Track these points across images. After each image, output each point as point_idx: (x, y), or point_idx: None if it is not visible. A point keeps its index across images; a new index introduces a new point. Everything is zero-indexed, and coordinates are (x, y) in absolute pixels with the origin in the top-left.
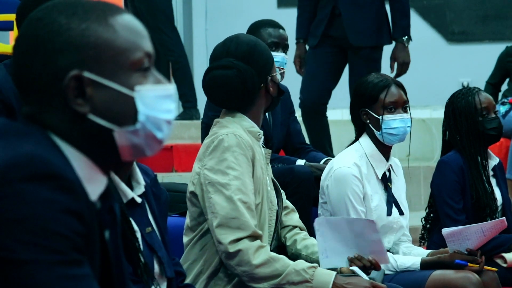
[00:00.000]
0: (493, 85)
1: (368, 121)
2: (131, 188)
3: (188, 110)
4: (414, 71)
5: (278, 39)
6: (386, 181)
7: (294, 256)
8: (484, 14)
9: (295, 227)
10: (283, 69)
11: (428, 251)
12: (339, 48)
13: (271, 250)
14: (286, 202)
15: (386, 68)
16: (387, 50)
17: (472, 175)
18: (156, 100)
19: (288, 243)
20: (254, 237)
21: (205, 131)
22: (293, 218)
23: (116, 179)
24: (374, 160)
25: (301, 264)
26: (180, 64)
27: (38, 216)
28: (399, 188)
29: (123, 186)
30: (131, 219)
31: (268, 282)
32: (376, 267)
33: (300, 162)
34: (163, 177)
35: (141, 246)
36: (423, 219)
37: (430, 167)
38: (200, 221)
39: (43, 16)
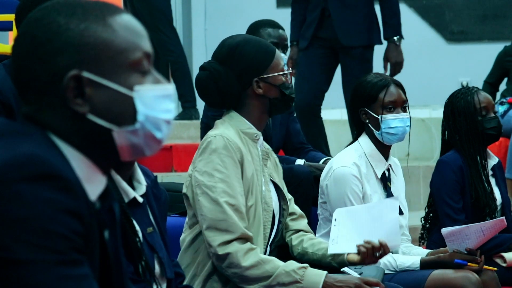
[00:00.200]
0: (491, 84)
1: (367, 121)
2: (133, 188)
3: (187, 110)
4: (413, 71)
5: (277, 39)
6: (385, 180)
7: (300, 255)
8: (483, 14)
9: (302, 230)
10: (290, 70)
11: (428, 250)
12: (330, 49)
13: (270, 253)
14: (294, 208)
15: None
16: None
17: (472, 175)
18: (155, 100)
19: (294, 243)
20: (243, 239)
21: (204, 131)
22: (301, 223)
23: (118, 178)
24: (373, 159)
25: (291, 265)
26: (179, 64)
27: (37, 216)
28: (398, 187)
29: (125, 186)
30: (132, 218)
31: (259, 284)
32: (385, 249)
33: (300, 162)
34: (163, 177)
35: (142, 246)
36: (422, 219)
37: (429, 166)
38: (194, 222)
39: (42, 16)
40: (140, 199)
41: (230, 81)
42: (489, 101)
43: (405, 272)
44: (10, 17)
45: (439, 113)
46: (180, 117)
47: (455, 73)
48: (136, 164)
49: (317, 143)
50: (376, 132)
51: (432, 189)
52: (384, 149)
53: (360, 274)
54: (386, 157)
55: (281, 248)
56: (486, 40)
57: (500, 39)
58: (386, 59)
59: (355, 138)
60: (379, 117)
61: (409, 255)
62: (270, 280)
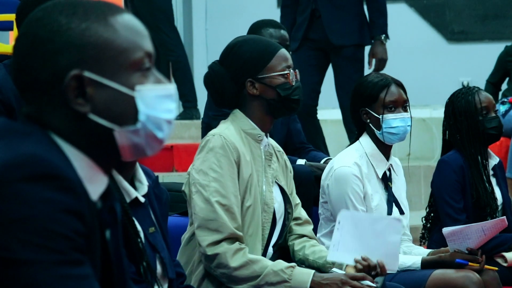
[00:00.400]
0: (493, 84)
1: (368, 121)
2: (134, 188)
3: (188, 110)
4: (414, 71)
5: (279, 39)
6: (386, 180)
7: (302, 261)
8: (484, 14)
9: (305, 236)
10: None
11: (429, 250)
12: (320, 51)
13: (273, 254)
14: (301, 213)
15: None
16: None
17: (473, 175)
18: (156, 99)
19: (296, 248)
20: (232, 239)
21: (205, 131)
22: (306, 229)
23: (119, 178)
24: (374, 159)
25: (279, 264)
26: (181, 64)
27: (38, 216)
28: (399, 187)
29: (127, 186)
30: (134, 218)
31: (247, 284)
32: (382, 270)
33: (301, 161)
34: (164, 177)
35: (144, 246)
36: (423, 219)
37: (430, 166)
38: (192, 221)
39: (43, 16)
40: (142, 199)
41: (225, 81)
42: (490, 101)
43: (406, 272)
44: (11, 17)
45: (439, 113)
46: (181, 117)
47: (455, 73)
48: (137, 164)
49: (315, 143)
50: (377, 132)
51: (433, 189)
52: (385, 149)
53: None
54: (387, 157)
55: (284, 249)
56: (486, 40)
57: (501, 39)
58: (371, 55)
59: (356, 138)
60: (380, 116)
61: (410, 255)
62: (259, 280)
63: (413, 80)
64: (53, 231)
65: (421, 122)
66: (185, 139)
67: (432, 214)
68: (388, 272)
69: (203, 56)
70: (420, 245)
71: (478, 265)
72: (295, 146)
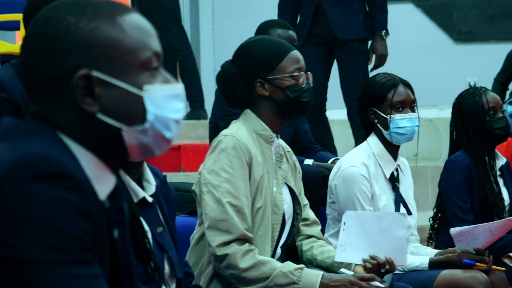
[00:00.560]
0: (501, 83)
1: (376, 121)
2: (142, 188)
3: (195, 109)
4: (421, 71)
5: (287, 40)
6: (394, 180)
7: (309, 261)
8: (491, 14)
9: (313, 236)
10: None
11: (436, 250)
12: (325, 46)
13: (281, 254)
14: (309, 214)
15: None
16: None
17: (480, 175)
18: (164, 99)
19: (304, 248)
20: (242, 240)
21: (212, 131)
22: (314, 229)
23: (127, 178)
24: (382, 159)
25: (288, 266)
26: (188, 64)
27: (47, 216)
28: (407, 187)
29: (134, 186)
30: (141, 218)
31: (256, 285)
32: (391, 267)
33: (308, 161)
34: (171, 177)
35: (152, 246)
36: (431, 219)
37: (437, 166)
38: (202, 221)
39: (51, 15)
40: (150, 199)
41: (236, 81)
42: (497, 101)
43: (413, 272)
44: (18, 16)
45: (447, 113)
46: (188, 117)
47: (463, 73)
48: (145, 164)
49: (323, 142)
50: (385, 132)
51: (441, 189)
52: (392, 149)
53: (382, 277)
54: (395, 157)
55: (291, 249)
56: (493, 40)
57: (508, 39)
58: (372, 51)
59: (363, 138)
60: (388, 117)
61: (417, 255)
62: (268, 281)
63: (420, 81)
64: (62, 230)
65: (428, 123)
66: (192, 139)
67: (439, 215)
68: (397, 267)
69: (210, 56)
70: (428, 245)
71: (486, 265)
72: (302, 146)
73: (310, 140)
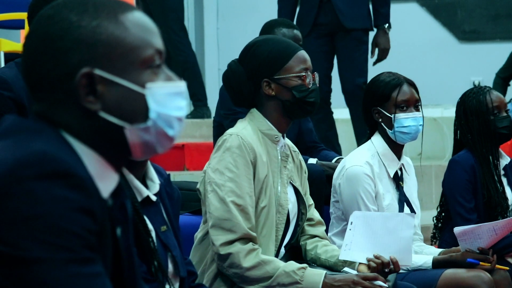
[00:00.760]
0: (503, 79)
1: (380, 120)
2: (146, 186)
3: (199, 108)
4: (425, 70)
5: (292, 39)
6: (398, 180)
7: (313, 260)
8: (495, 13)
9: (317, 236)
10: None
11: (440, 250)
12: (328, 36)
13: (284, 254)
14: (313, 214)
15: None
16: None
17: (484, 174)
18: (167, 97)
19: (308, 248)
20: (246, 239)
21: (216, 130)
22: (318, 230)
23: (131, 177)
24: (386, 159)
25: (291, 265)
26: (190, 64)
27: (50, 214)
28: (410, 187)
29: (138, 184)
30: (145, 217)
31: (259, 284)
32: (395, 266)
33: (312, 161)
34: (175, 176)
35: (156, 245)
36: (434, 218)
37: (441, 166)
38: (206, 219)
39: (53, 14)
40: (154, 198)
41: (241, 80)
42: (501, 100)
43: (417, 271)
44: (22, 15)
45: (451, 113)
46: (192, 115)
47: (467, 73)
48: (149, 162)
49: (327, 139)
50: (389, 131)
51: (444, 188)
52: (397, 148)
53: (386, 277)
54: (399, 157)
55: (295, 248)
56: (498, 40)
57: None
58: (374, 44)
59: (367, 137)
60: (392, 116)
61: (421, 254)
62: (271, 281)
63: (424, 80)
64: (65, 229)
65: (432, 122)
66: (196, 138)
67: (443, 214)
68: (402, 267)
69: (214, 55)
70: (431, 244)
71: (489, 264)
72: (306, 145)
73: (314, 139)
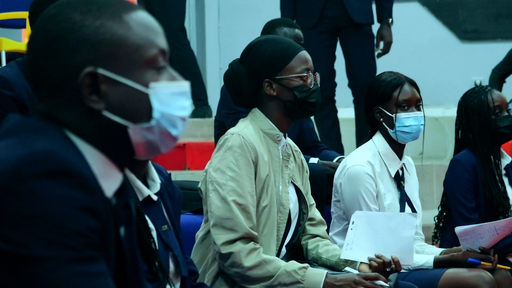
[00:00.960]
0: (500, 76)
1: (381, 119)
2: (147, 186)
3: (200, 107)
4: (426, 70)
5: (293, 38)
6: (399, 179)
7: (314, 260)
8: (497, 13)
9: (319, 236)
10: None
11: (441, 249)
12: (332, 31)
13: (286, 253)
14: (315, 214)
15: None
16: None
17: (485, 174)
18: (170, 97)
19: (309, 247)
20: (247, 238)
21: (218, 129)
22: (320, 229)
23: (132, 176)
24: (387, 158)
25: (292, 265)
26: (188, 64)
27: (53, 213)
28: (412, 186)
29: (139, 184)
30: (146, 217)
31: (260, 284)
32: (397, 266)
33: (313, 160)
34: (176, 175)
35: (157, 244)
36: (436, 218)
37: (443, 165)
38: (207, 218)
39: (57, 13)
40: (155, 197)
41: (242, 80)
42: (503, 100)
43: (418, 270)
44: (23, 14)
45: (452, 112)
46: (193, 115)
47: (468, 72)
48: (149, 162)
49: (329, 136)
50: (390, 131)
51: (446, 188)
52: (398, 148)
53: (387, 276)
54: (400, 156)
55: (296, 248)
56: (499, 39)
57: None
58: (379, 37)
59: (369, 136)
60: (393, 115)
61: (422, 254)
62: (272, 280)
63: (425, 79)
64: (68, 228)
65: (433, 121)
66: (197, 137)
67: (444, 213)
68: (403, 266)
69: (215, 54)
70: (433, 244)
71: (491, 264)
72: (307, 144)
73: (315, 139)
